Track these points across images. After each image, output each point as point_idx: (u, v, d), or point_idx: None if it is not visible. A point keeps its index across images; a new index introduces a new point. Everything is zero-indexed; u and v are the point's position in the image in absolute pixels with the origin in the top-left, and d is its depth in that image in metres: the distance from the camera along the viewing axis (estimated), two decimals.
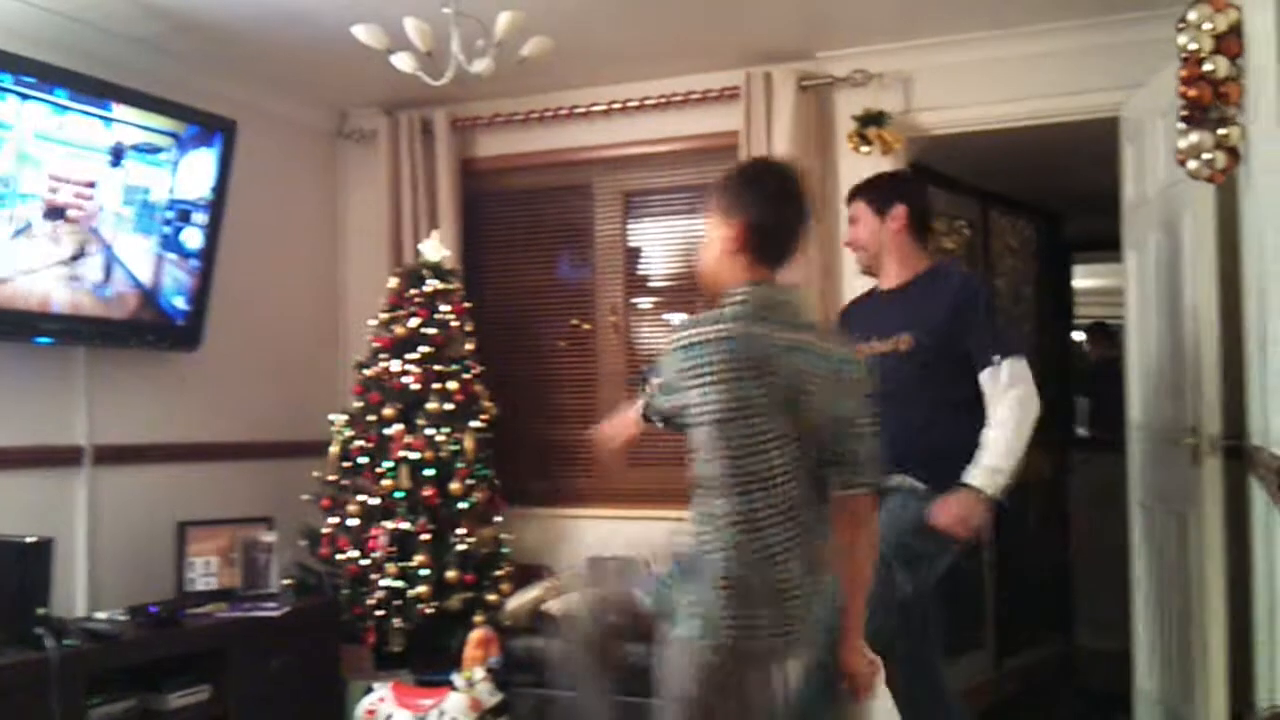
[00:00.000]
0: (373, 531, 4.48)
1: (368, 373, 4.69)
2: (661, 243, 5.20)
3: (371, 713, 4.12)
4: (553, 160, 5.21)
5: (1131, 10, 4.11)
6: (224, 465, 4.80)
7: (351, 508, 4.53)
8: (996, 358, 3.26)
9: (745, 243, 2.36)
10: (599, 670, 2.50)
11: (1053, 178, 5.78)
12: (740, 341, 2.24)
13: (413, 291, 4.72)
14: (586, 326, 5.24)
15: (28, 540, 3.66)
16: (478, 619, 4.42)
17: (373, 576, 4.44)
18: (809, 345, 2.32)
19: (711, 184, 2.57)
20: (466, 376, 4.70)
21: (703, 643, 2.22)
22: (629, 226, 5.18)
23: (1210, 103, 3.23)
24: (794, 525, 2.26)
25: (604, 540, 4.89)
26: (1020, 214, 6.20)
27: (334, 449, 4.66)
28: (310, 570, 4.65)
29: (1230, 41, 3.23)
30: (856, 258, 3.62)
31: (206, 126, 4.38)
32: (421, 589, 4.39)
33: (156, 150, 4.22)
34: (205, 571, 4.38)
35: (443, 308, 4.71)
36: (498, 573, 4.63)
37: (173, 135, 4.27)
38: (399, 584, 4.41)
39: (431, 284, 4.72)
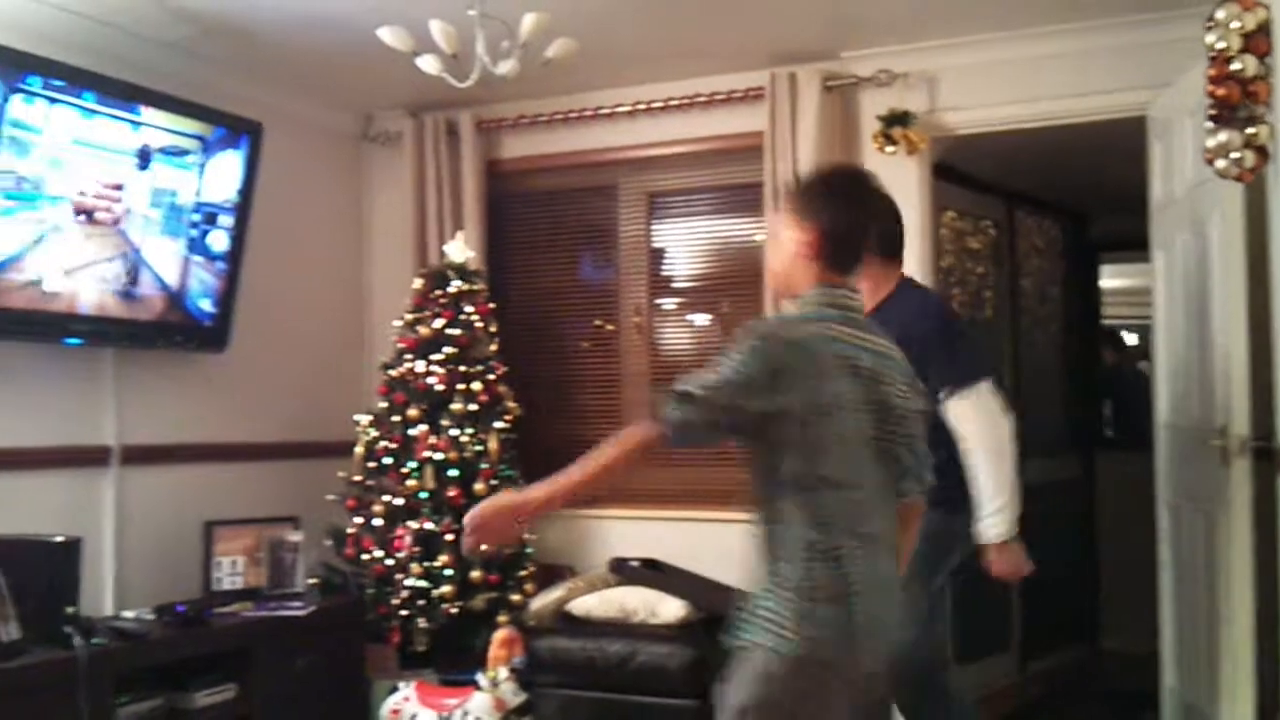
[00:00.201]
0: (398, 531, 4.49)
1: (393, 373, 4.71)
2: (686, 243, 5.20)
3: (396, 712, 4.14)
4: (577, 161, 5.22)
5: (1159, 9, 4.08)
6: (250, 465, 4.83)
7: (377, 508, 4.55)
8: (943, 394, 3.14)
9: (819, 249, 2.34)
10: None
11: (1080, 177, 5.75)
12: (823, 342, 2.23)
13: (437, 292, 4.73)
14: (610, 327, 5.24)
15: (56, 540, 3.69)
16: (502, 619, 4.43)
17: (398, 576, 4.46)
18: (882, 349, 2.33)
19: (786, 186, 2.57)
20: (491, 377, 4.71)
21: (772, 652, 2.15)
22: (653, 227, 5.18)
23: (1239, 101, 3.21)
24: (869, 530, 2.23)
25: (627, 540, 4.90)
26: (1046, 214, 6.17)
27: (359, 449, 4.68)
28: (336, 570, 4.66)
29: (1259, 40, 3.21)
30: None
31: (233, 129, 4.41)
32: (446, 589, 4.41)
33: (183, 153, 4.25)
34: (232, 571, 4.40)
35: (467, 309, 4.73)
36: (521, 573, 4.63)
37: (199, 138, 4.30)
38: (424, 584, 4.43)
39: (456, 285, 4.74)
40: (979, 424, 3.17)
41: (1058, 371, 6.25)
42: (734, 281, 5.04)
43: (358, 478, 4.66)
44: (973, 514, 3.20)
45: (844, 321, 2.30)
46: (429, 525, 4.47)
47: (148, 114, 4.10)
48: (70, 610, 3.58)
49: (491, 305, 4.87)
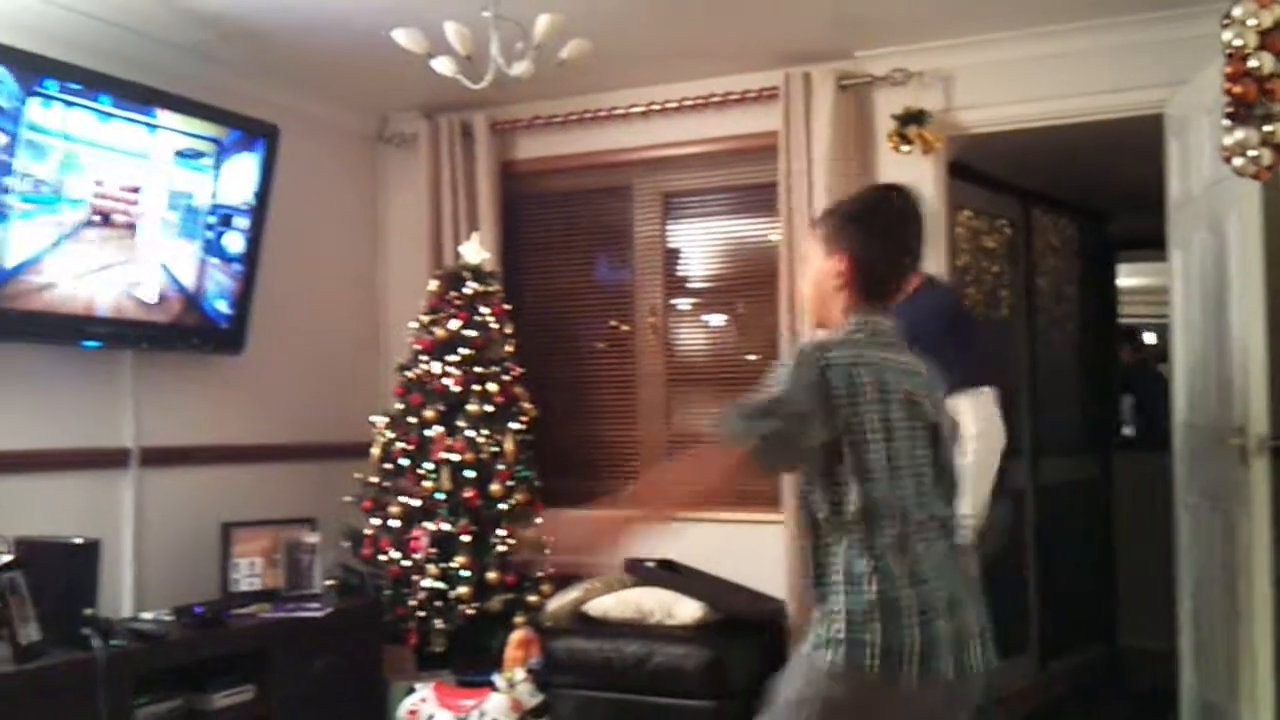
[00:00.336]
0: (414, 533, 4.50)
1: (409, 375, 4.72)
2: (701, 244, 5.20)
3: (413, 713, 4.15)
4: (592, 162, 5.22)
5: (1176, 6, 4.07)
6: (268, 467, 4.85)
7: (393, 509, 4.56)
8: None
9: (851, 279, 2.31)
10: None
11: (1096, 176, 5.73)
12: (859, 367, 2.20)
13: (453, 294, 4.74)
14: (625, 328, 5.24)
15: (75, 541, 3.72)
16: (518, 620, 4.43)
17: (414, 577, 4.46)
18: (910, 367, 2.31)
19: (819, 213, 2.52)
20: (506, 378, 4.71)
21: (830, 662, 2.09)
22: (668, 228, 5.18)
23: (1256, 99, 3.19)
24: (921, 552, 2.16)
25: (643, 541, 4.90)
26: (1063, 213, 6.15)
27: (375, 451, 4.69)
28: (353, 571, 4.67)
29: (1276, 37, 3.19)
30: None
31: (249, 132, 4.43)
32: (463, 590, 4.41)
33: (200, 155, 4.27)
34: (249, 572, 4.42)
35: (483, 310, 4.73)
36: (538, 574, 4.63)
37: (215, 141, 4.31)
38: (440, 585, 4.43)
39: (471, 286, 4.74)
40: (969, 430, 3.15)
41: (1074, 371, 6.23)
42: (749, 282, 5.04)
43: (374, 479, 4.67)
44: (995, 506, 3.18)
45: (876, 346, 2.26)
46: (445, 526, 4.47)
47: (163, 117, 4.12)
48: (89, 612, 3.60)
49: (507, 306, 4.88)
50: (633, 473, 5.12)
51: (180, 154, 4.19)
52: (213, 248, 4.37)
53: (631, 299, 5.22)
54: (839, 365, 2.17)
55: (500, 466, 4.57)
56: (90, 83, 3.86)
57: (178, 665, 3.83)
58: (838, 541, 2.16)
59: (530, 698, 4.11)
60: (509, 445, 4.61)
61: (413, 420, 4.63)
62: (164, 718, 3.77)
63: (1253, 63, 3.19)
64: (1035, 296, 5.82)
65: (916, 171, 4.40)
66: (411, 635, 4.48)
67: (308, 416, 5.05)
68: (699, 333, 5.21)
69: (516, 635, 4.31)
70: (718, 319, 5.19)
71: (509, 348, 4.80)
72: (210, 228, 4.35)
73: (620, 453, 5.19)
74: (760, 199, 4.91)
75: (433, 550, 4.46)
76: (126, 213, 4.05)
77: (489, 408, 4.61)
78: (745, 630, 4.37)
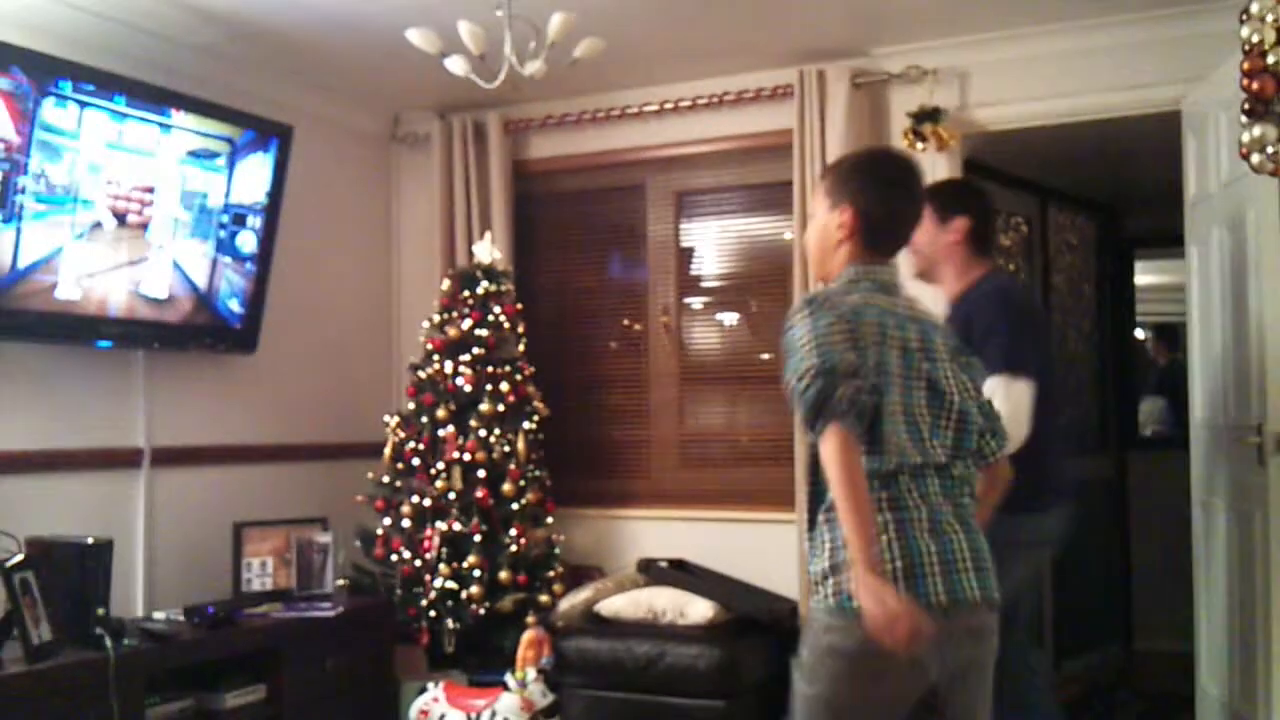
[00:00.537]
0: (426, 532, 4.50)
1: (421, 374, 4.72)
2: (714, 242, 5.18)
3: (425, 713, 4.15)
4: (605, 161, 5.21)
5: (1193, 2, 4.04)
6: (280, 467, 4.85)
7: (405, 509, 4.56)
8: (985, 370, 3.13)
9: (854, 229, 2.32)
10: None
11: (1113, 173, 5.69)
12: (867, 310, 2.19)
13: (465, 293, 4.74)
14: (638, 327, 5.23)
15: (88, 541, 3.71)
16: (530, 620, 4.42)
17: (426, 577, 4.46)
18: (921, 315, 2.31)
19: (824, 167, 2.53)
20: (518, 378, 4.71)
21: (844, 623, 2.09)
22: (681, 226, 5.16)
23: (1273, 96, 3.16)
24: (933, 504, 2.17)
25: (655, 541, 4.89)
26: (1079, 210, 6.12)
27: (388, 450, 4.69)
28: (364, 571, 4.68)
29: None
30: (911, 261, 3.53)
31: (262, 132, 4.43)
32: (474, 590, 4.41)
33: (213, 155, 4.27)
34: (261, 572, 4.42)
35: (495, 309, 4.73)
36: (549, 574, 4.63)
37: (229, 140, 4.31)
38: (452, 585, 4.43)
39: (484, 286, 4.74)
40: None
41: (1092, 370, 6.20)
42: (763, 280, 5.02)
43: (386, 479, 4.67)
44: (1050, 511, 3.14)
45: (881, 291, 2.28)
46: (457, 526, 4.47)
47: (177, 117, 4.12)
48: (101, 611, 3.60)
49: (519, 306, 4.87)
50: (644, 473, 5.12)
51: (193, 154, 4.20)
52: (226, 247, 4.37)
53: (644, 298, 5.21)
54: (844, 309, 2.18)
55: (512, 466, 4.56)
56: (104, 83, 3.87)
57: (189, 665, 3.83)
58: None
59: (542, 697, 4.11)
60: (521, 445, 4.60)
61: (425, 420, 4.63)
62: (175, 717, 3.77)
63: (1271, 59, 3.15)
64: (1051, 294, 5.78)
65: (932, 169, 4.38)
66: (423, 635, 4.48)
67: (320, 416, 5.05)
68: (712, 332, 5.19)
69: (528, 635, 4.31)
70: (731, 318, 5.17)
71: (521, 347, 4.79)
72: (223, 227, 4.35)
73: (633, 452, 5.18)
74: (774, 197, 4.89)
75: (444, 550, 4.46)
76: (140, 213, 4.05)
77: (501, 407, 4.61)
78: (757, 630, 4.35)
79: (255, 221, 4.45)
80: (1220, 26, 3.61)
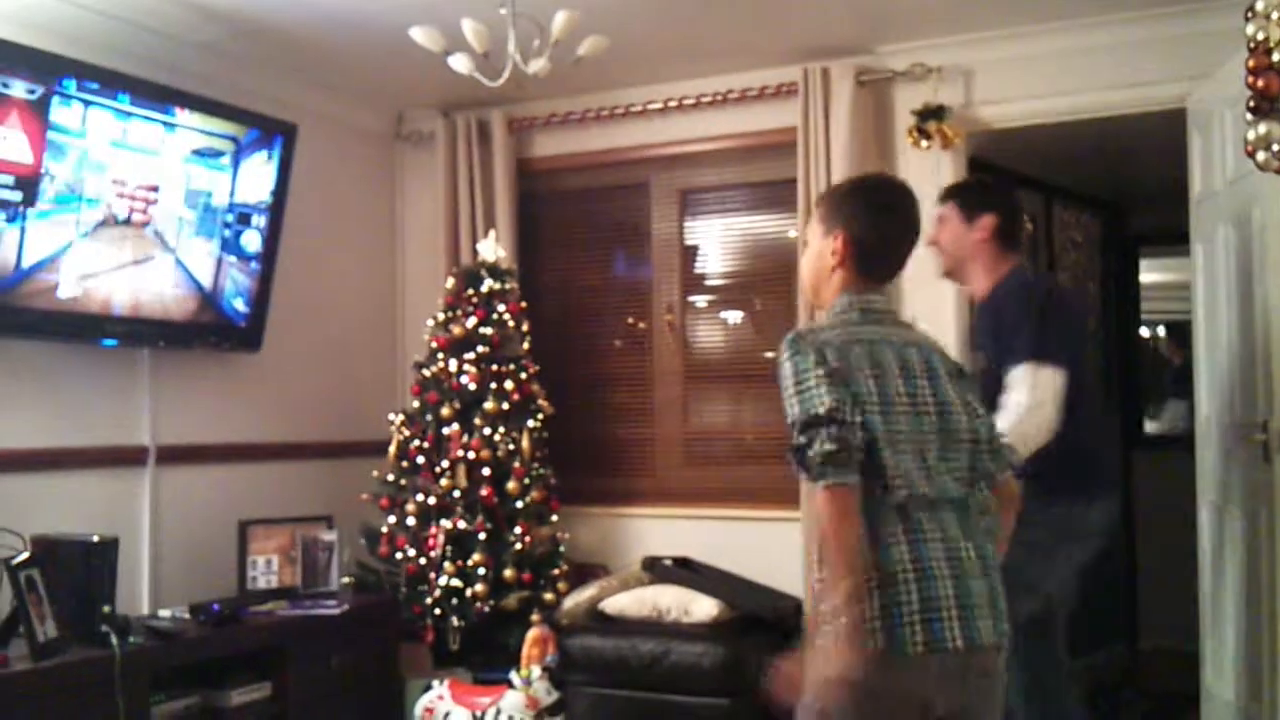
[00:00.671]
0: (431, 530, 4.50)
1: (425, 372, 4.72)
2: (718, 240, 5.18)
3: (430, 710, 4.15)
4: (609, 159, 5.20)
5: (1196, 0, 4.02)
6: (285, 465, 4.85)
7: (410, 507, 4.56)
8: (1012, 362, 3.10)
9: (846, 256, 2.31)
10: None
11: (1118, 171, 5.68)
12: (850, 343, 2.18)
13: (470, 291, 4.74)
14: (642, 325, 5.23)
15: (93, 539, 3.72)
16: (534, 618, 4.43)
17: (431, 575, 4.47)
18: (912, 339, 2.29)
19: (819, 194, 2.52)
20: (523, 376, 4.71)
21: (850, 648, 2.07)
22: (686, 224, 5.16)
23: (1279, 93, 3.15)
24: (930, 533, 2.14)
25: (660, 539, 4.89)
26: (1084, 207, 6.10)
27: (392, 448, 4.69)
28: (369, 569, 4.68)
29: None
30: (938, 260, 3.52)
31: (266, 130, 4.43)
32: (479, 588, 4.41)
33: (218, 154, 4.27)
34: (266, 570, 4.42)
35: (499, 308, 4.73)
36: (554, 572, 4.63)
37: (233, 139, 4.32)
38: (457, 583, 4.44)
39: (488, 284, 4.74)
40: (1020, 396, 3.06)
41: (1096, 368, 6.18)
42: (767, 278, 5.02)
43: (391, 477, 4.67)
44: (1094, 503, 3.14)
45: (874, 318, 2.27)
46: (462, 524, 4.47)
47: (182, 115, 4.12)
48: (106, 609, 3.61)
49: (523, 304, 4.87)
50: (649, 471, 5.12)
51: (198, 152, 4.20)
52: (230, 246, 4.37)
53: (649, 296, 5.21)
54: (831, 344, 2.17)
55: (517, 464, 4.57)
56: (108, 82, 3.87)
57: (194, 662, 3.84)
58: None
59: (546, 695, 4.11)
60: (525, 443, 4.60)
61: (429, 418, 4.64)
62: (181, 715, 3.78)
63: (1276, 56, 3.14)
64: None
65: (936, 167, 4.39)
66: (428, 633, 4.49)
67: (325, 414, 5.06)
68: (717, 330, 5.19)
69: (533, 633, 4.31)
70: (735, 316, 5.17)
71: (525, 345, 4.80)
72: (228, 226, 4.35)
73: (637, 450, 5.18)
74: (778, 195, 4.89)
75: (449, 548, 4.46)
76: (144, 211, 4.05)
77: (506, 405, 4.61)
78: (762, 628, 4.35)
79: (260, 220, 4.46)
80: (1224, 24, 3.60)
